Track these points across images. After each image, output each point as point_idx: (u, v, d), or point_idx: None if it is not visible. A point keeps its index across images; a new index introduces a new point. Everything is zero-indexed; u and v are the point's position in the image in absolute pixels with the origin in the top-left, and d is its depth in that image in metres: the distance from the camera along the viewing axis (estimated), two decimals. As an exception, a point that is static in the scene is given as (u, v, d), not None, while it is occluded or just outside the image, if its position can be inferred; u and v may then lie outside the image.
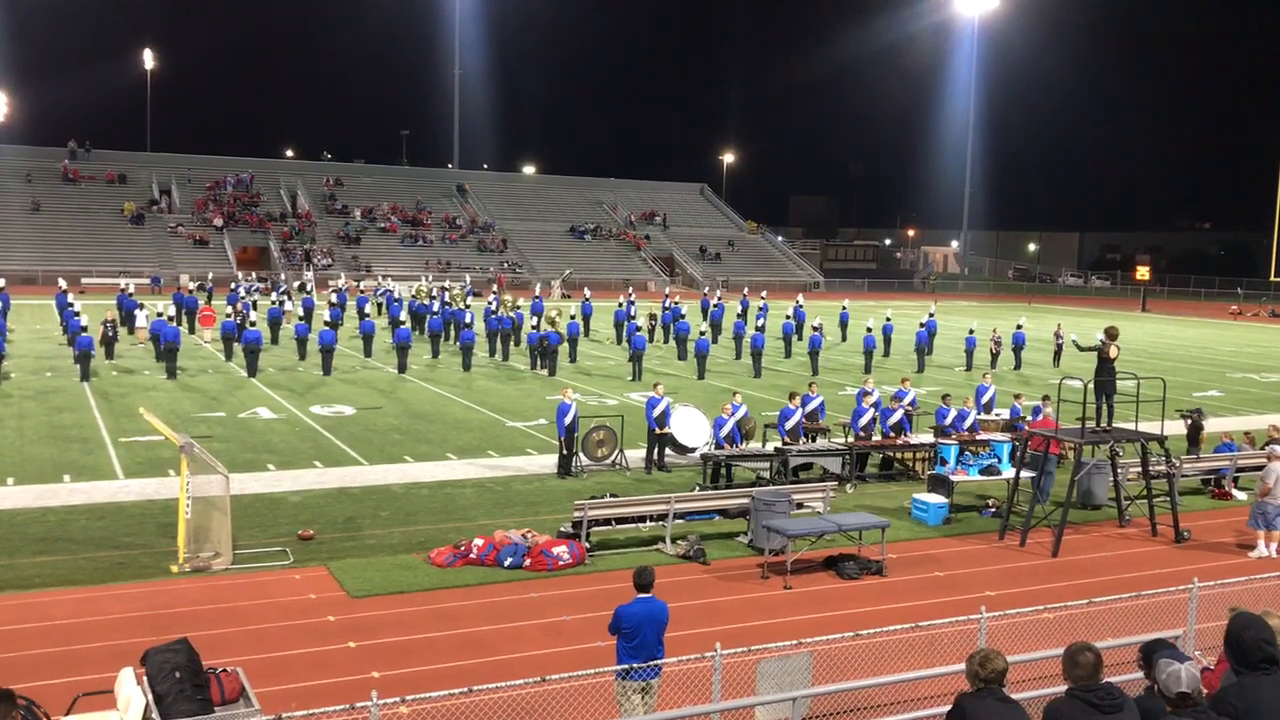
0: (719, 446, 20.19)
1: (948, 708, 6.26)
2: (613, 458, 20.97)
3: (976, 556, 16.21)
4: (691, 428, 21.24)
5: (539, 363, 34.75)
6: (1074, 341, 19.00)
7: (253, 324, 33.65)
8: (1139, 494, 18.19)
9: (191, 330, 41.72)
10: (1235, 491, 20.21)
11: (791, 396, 21.38)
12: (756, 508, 15.83)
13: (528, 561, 14.69)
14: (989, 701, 5.97)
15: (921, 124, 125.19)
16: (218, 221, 78.42)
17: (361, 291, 54.80)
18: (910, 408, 22.53)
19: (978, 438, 21.02)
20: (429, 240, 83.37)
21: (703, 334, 35.79)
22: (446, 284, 56.24)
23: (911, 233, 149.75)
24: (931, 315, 41.14)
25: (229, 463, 17.46)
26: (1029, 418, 22.55)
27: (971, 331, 39.47)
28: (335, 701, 8.19)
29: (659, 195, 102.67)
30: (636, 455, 21.34)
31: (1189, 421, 22.41)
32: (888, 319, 42.06)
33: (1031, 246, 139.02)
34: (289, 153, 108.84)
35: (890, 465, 21.43)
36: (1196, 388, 35.27)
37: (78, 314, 34.31)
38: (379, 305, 50.29)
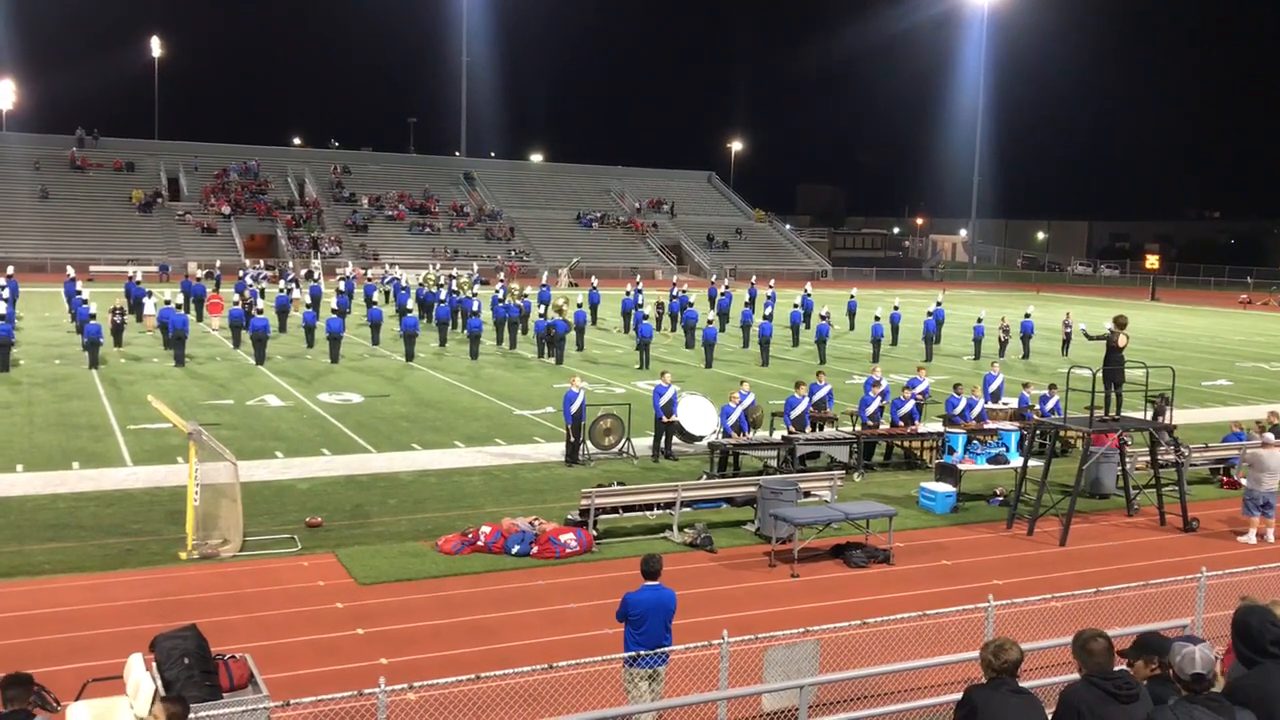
0: (726, 435, 20.18)
1: (954, 696, 6.25)
2: (620, 446, 20.98)
3: (984, 545, 16.20)
4: (699, 416, 21.23)
5: (546, 351, 34.75)
6: (1083, 330, 18.93)
7: (260, 312, 33.72)
8: (1147, 483, 18.17)
9: (199, 318, 41.81)
10: (1242, 480, 20.15)
11: (798, 385, 21.35)
12: (764, 496, 15.83)
13: (535, 549, 14.71)
14: (1001, 694, 5.90)
15: (931, 112, 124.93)
16: (225, 209, 78.50)
17: (369, 279, 54.79)
18: (921, 397, 22.49)
19: (985, 427, 20.99)
20: (436, 228, 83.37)
21: (710, 323, 35.76)
22: (454, 272, 56.22)
23: (920, 221, 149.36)
24: (939, 304, 41.06)
25: (237, 450, 17.49)
26: (1037, 406, 22.51)
27: (980, 320, 39.37)
28: (343, 688, 8.21)
29: (667, 183, 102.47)
30: (644, 443, 21.34)
31: (1154, 407, 22.19)
32: (896, 308, 41.97)
33: (1040, 235, 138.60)
34: (296, 140, 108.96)
35: (890, 453, 21.39)
36: (1206, 377, 35.16)
37: (86, 302, 34.38)
38: (386, 293, 50.31)
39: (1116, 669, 5.87)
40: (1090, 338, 17.87)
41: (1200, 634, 10.24)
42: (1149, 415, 19.67)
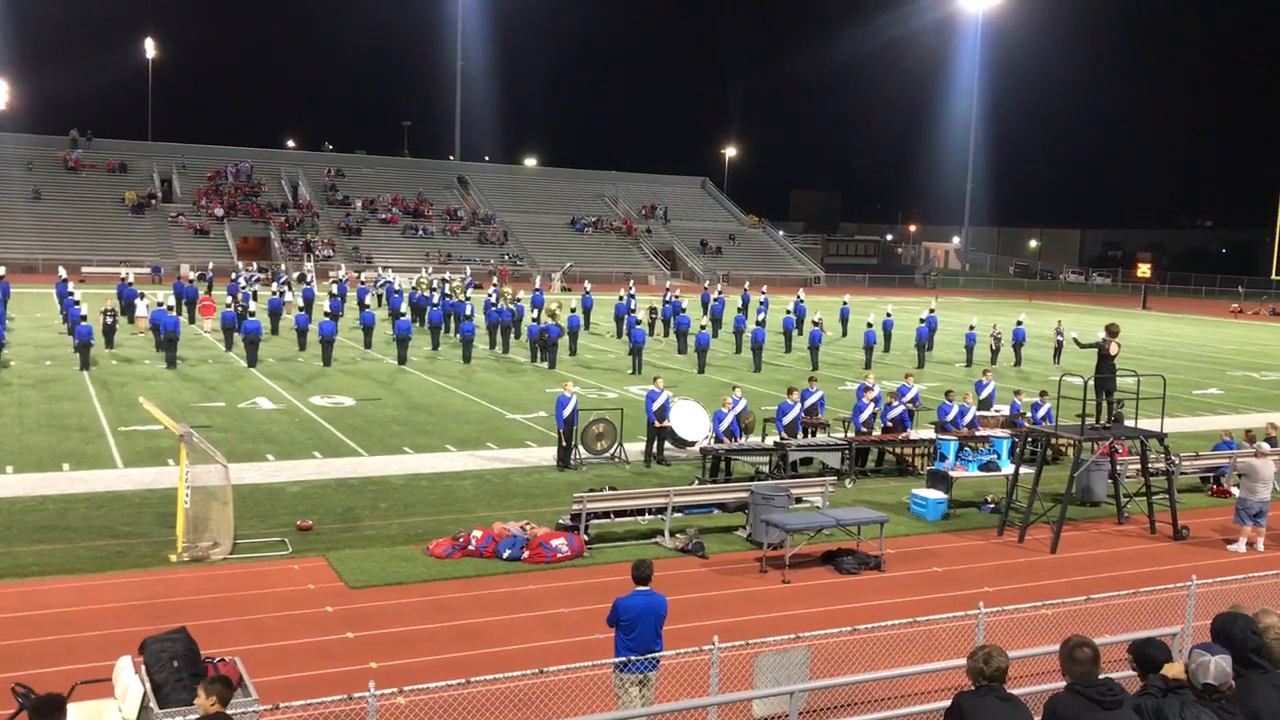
0: (718, 440, 20.18)
1: (945, 703, 6.25)
2: (612, 451, 20.97)
3: (975, 552, 16.22)
4: (691, 421, 21.24)
5: (539, 355, 34.74)
6: (1074, 339, 18.97)
7: (252, 314, 33.64)
8: (1138, 491, 18.21)
9: (191, 320, 41.70)
10: (1234, 489, 20.21)
11: (790, 392, 21.35)
12: (755, 502, 15.83)
13: (526, 554, 14.70)
14: (990, 700, 5.94)
15: (924, 119, 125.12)
16: (218, 211, 78.36)
17: (362, 283, 54.74)
18: (912, 404, 22.52)
19: (977, 434, 21.02)
20: (430, 232, 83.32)
21: (703, 328, 35.78)
22: (447, 276, 56.20)
23: (913, 228, 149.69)
24: (932, 311, 41.13)
25: (228, 453, 17.45)
26: (1029, 414, 22.55)
27: (972, 328, 39.46)
28: (333, 692, 8.19)
29: (660, 189, 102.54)
30: (636, 448, 21.33)
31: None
32: (888, 314, 42.04)
33: (1033, 243, 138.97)
34: (290, 143, 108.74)
35: (882, 459, 21.41)
36: (1196, 385, 35.26)
37: (78, 303, 34.29)
38: (379, 296, 50.24)
39: (1101, 677, 5.90)
40: (1082, 345, 17.92)
41: (1190, 642, 10.26)
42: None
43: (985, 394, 24.41)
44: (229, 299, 40.84)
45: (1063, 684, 6.01)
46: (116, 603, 12.63)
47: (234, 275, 51.83)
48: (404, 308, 39.14)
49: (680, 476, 19.67)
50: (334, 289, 44.26)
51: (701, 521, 16.70)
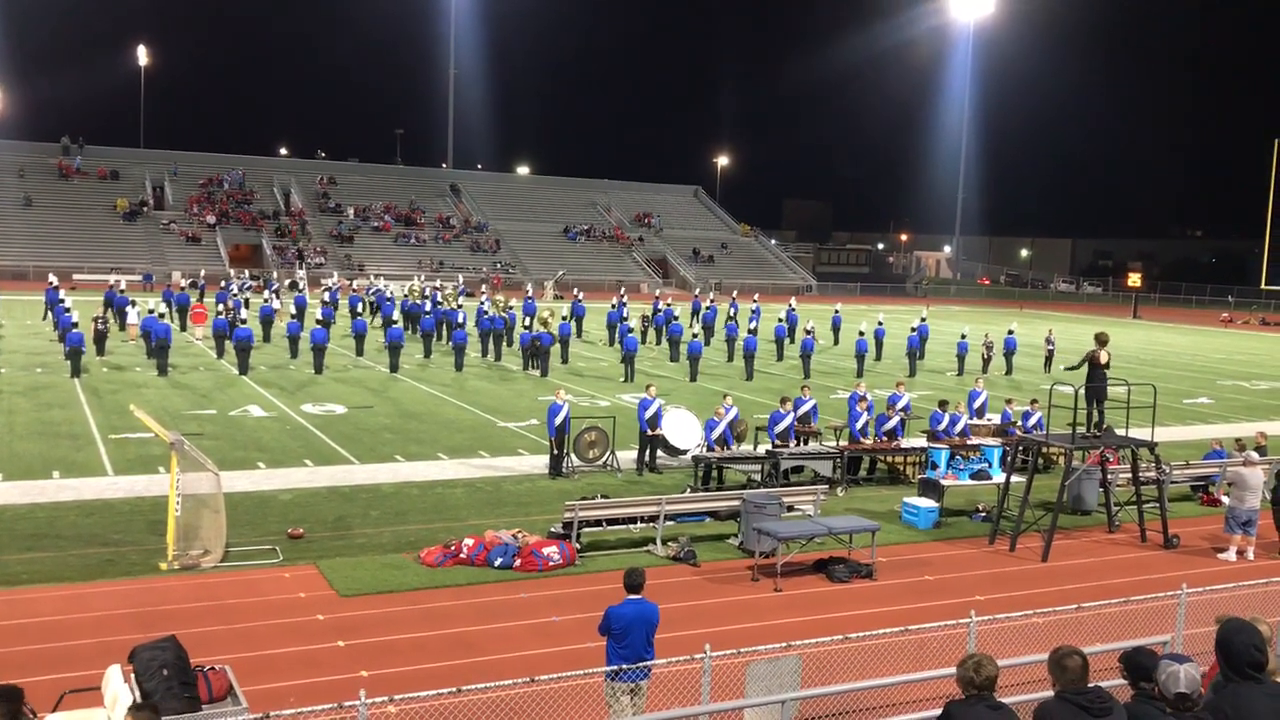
0: (710, 449, 20.19)
1: (935, 712, 6.27)
2: (604, 459, 20.96)
3: (966, 561, 16.23)
4: (683, 430, 21.23)
5: (531, 363, 34.73)
6: (1066, 369, 18.85)
7: (244, 322, 33.61)
8: (1128, 500, 18.25)
9: (183, 327, 41.62)
10: (1224, 498, 20.26)
11: (783, 401, 21.36)
12: (747, 510, 15.83)
13: (518, 562, 14.68)
14: (980, 709, 5.96)
15: (916, 129, 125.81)
16: (210, 219, 78.25)
17: (354, 290, 54.58)
18: (904, 413, 22.54)
19: (969, 442, 21.05)
20: (422, 240, 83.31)
21: (695, 336, 35.79)
22: (439, 284, 56.14)
23: (904, 237, 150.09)
24: (924, 320, 41.21)
25: (219, 460, 17.41)
26: (1019, 423, 22.59)
27: (963, 336, 39.51)
28: (323, 700, 8.17)
29: (653, 197, 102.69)
30: (628, 456, 21.32)
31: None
32: (880, 323, 42.10)
33: (1024, 252, 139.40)
34: (283, 151, 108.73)
35: (874, 468, 21.42)
36: (1187, 394, 35.37)
37: (69, 310, 34.21)
38: (371, 304, 50.15)
39: (1090, 685, 5.92)
40: (1074, 369, 17.88)
41: (1181, 650, 10.28)
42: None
43: (977, 403, 24.45)
44: (220, 306, 40.75)
45: (1052, 693, 6.02)
46: (106, 611, 12.58)
47: (225, 283, 51.69)
48: (396, 315, 39.16)
49: (672, 485, 19.67)
50: (326, 296, 44.20)
51: (693, 530, 16.70)
